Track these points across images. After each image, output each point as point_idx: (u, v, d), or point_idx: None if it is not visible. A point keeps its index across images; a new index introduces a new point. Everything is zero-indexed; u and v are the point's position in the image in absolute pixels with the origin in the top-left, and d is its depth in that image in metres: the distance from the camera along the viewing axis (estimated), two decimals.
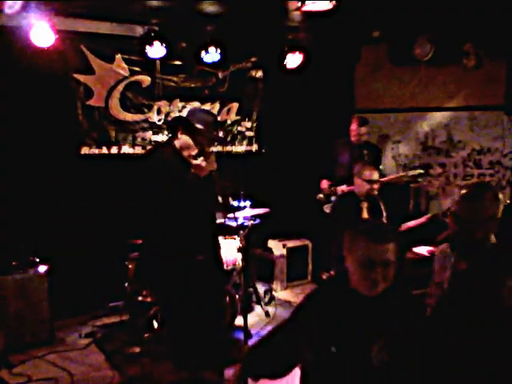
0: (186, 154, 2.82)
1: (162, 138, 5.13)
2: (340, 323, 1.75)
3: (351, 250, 1.76)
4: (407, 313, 1.77)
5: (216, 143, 2.95)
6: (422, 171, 4.65)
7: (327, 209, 5.06)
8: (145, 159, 2.92)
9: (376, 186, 3.84)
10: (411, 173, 4.72)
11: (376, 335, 1.71)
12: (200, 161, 2.72)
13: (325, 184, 5.04)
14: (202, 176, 2.77)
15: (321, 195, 5.10)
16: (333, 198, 4.97)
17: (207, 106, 5.28)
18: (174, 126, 2.95)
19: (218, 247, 3.08)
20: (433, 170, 4.96)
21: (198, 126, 2.78)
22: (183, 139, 2.85)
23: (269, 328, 4.46)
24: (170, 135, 2.97)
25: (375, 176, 3.83)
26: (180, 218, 2.82)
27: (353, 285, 1.77)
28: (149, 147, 5.05)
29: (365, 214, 3.93)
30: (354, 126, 4.99)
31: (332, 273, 3.94)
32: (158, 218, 2.89)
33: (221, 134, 5.22)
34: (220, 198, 2.66)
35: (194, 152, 2.77)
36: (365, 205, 3.93)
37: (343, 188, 4.88)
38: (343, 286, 1.82)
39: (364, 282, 1.72)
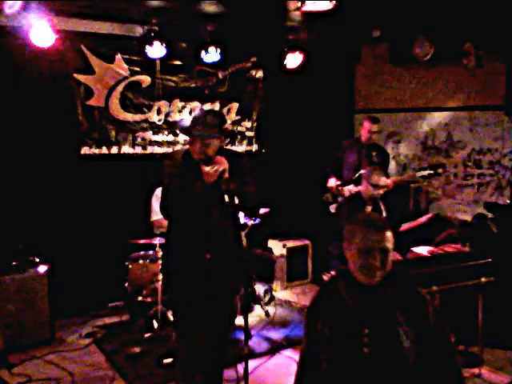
0: (196, 157, 2.81)
1: (162, 137, 5.13)
2: (340, 316, 1.90)
3: (351, 241, 1.89)
4: (409, 307, 1.87)
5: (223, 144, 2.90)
6: (431, 171, 4.58)
7: (333, 209, 4.98)
8: (165, 158, 2.92)
9: (382, 191, 3.87)
10: (419, 174, 4.64)
11: (367, 322, 1.85)
12: (207, 168, 2.68)
13: (333, 183, 4.93)
14: (209, 182, 2.70)
15: (328, 195, 4.97)
16: (340, 199, 4.89)
17: (207, 106, 5.27)
18: (186, 131, 2.93)
19: (232, 246, 3.01)
20: (441, 169, 4.86)
21: (201, 130, 2.73)
22: (192, 145, 2.82)
23: (269, 328, 4.48)
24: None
25: (382, 182, 3.86)
26: (187, 218, 2.83)
27: (353, 273, 1.91)
28: (149, 147, 5.07)
29: None
30: (367, 125, 4.78)
31: (332, 273, 3.94)
32: (171, 216, 2.91)
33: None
34: (226, 197, 2.63)
35: (200, 158, 2.74)
36: (369, 208, 3.97)
37: (350, 188, 4.74)
38: (344, 282, 1.95)
39: (363, 269, 1.85)
